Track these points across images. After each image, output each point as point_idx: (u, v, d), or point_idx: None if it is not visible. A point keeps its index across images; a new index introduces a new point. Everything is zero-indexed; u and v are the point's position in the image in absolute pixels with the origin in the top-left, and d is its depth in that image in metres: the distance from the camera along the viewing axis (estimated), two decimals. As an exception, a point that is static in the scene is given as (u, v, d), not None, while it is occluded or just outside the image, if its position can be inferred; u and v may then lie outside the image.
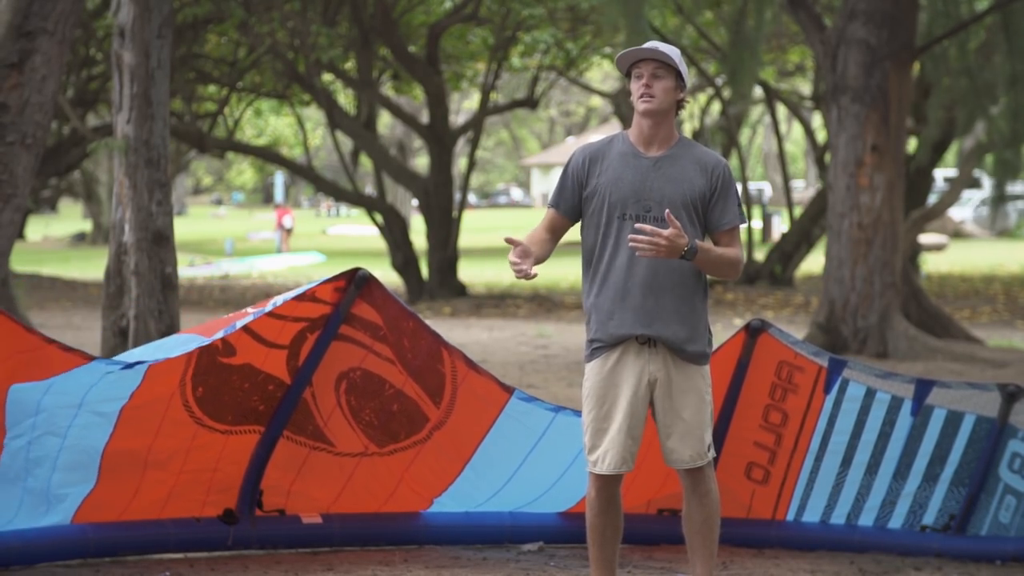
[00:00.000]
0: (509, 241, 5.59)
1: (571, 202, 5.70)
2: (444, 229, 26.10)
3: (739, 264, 5.67)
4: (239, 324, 6.54)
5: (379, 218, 26.52)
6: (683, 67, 5.63)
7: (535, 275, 5.55)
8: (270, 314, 6.58)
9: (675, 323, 5.60)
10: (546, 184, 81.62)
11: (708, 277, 5.72)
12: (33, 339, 6.25)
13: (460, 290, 26.05)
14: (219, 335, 6.51)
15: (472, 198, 72.65)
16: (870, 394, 7.18)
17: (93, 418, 6.43)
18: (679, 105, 5.68)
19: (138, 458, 6.60)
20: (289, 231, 47.06)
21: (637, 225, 5.50)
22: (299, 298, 6.65)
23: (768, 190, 62.59)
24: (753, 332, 7.11)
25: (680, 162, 5.63)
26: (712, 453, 5.70)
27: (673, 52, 5.64)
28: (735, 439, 7.24)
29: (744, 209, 5.80)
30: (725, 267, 5.63)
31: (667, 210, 5.49)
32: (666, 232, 5.43)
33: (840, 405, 7.19)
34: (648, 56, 5.62)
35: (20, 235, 42.57)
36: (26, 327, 6.31)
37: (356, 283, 6.71)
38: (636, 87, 5.64)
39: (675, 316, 5.60)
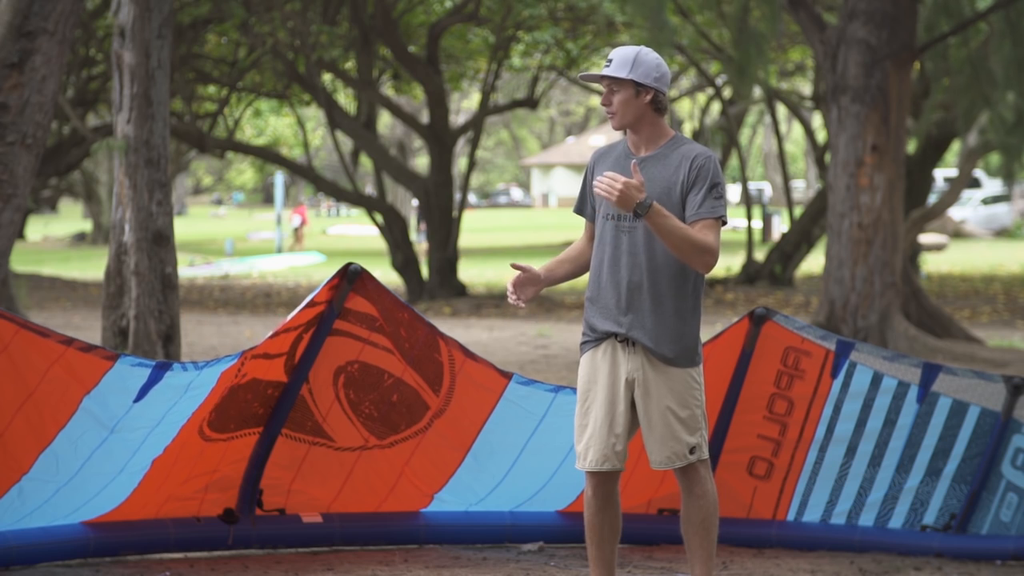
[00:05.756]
0: (515, 267, 5.68)
1: (589, 204, 5.78)
2: (444, 229, 26.12)
3: (706, 251, 5.48)
4: (250, 356, 6.58)
5: (379, 218, 26.53)
6: (640, 69, 5.57)
7: (523, 306, 5.68)
8: (273, 334, 6.61)
9: (652, 324, 5.58)
10: (546, 184, 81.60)
11: (703, 282, 5.71)
12: (53, 345, 6.34)
13: (460, 290, 26.06)
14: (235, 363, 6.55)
15: (472, 198, 72.63)
16: (877, 378, 7.18)
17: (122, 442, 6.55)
18: (655, 104, 5.63)
19: (152, 480, 6.66)
20: (296, 230, 47.08)
21: (607, 174, 5.49)
22: (299, 310, 6.68)
23: (768, 190, 62.61)
24: (758, 320, 7.10)
25: (664, 160, 5.63)
26: (697, 455, 5.65)
27: (624, 61, 5.60)
28: (738, 434, 7.24)
29: (725, 206, 5.63)
30: (690, 247, 5.47)
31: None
32: (623, 179, 5.42)
33: (847, 389, 7.18)
34: (600, 75, 5.65)
35: (20, 235, 42.58)
36: (39, 331, 6.36)
37: (348, 278, 6.74)
38: None
39: (653, 317, 5.59)
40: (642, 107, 5.62)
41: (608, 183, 5.42)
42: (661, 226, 5.46)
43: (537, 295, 5.73)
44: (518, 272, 5.70)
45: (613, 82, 5.62)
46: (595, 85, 5.69)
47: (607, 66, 5.63)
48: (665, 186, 5.60)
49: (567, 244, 44.31)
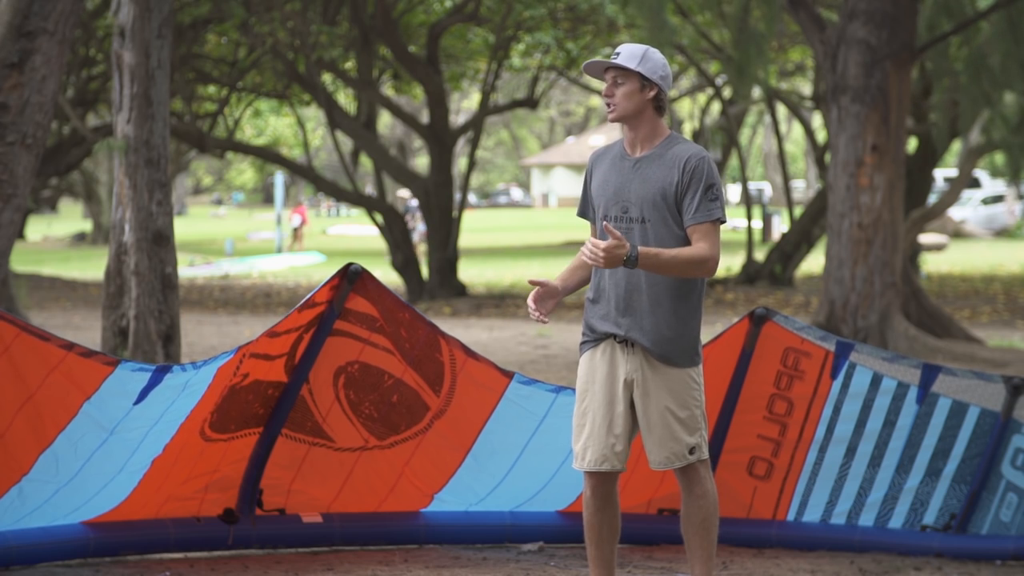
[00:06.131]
0: (533, 283, 5.67)
1: (590, 207, 5.78)
2: (444, 229, 26.12)
3: (704, 262, 5.52)
4: (248, 354, 6.58)
5: (379, 218, 26.54)
6: (648, 64, 5.58)
7: (547, 321, 5.67)
8: (273, 333, 6.61)
9: (650, 325, 5.59)
10: (546, 184, 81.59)
11: (703, 282, 5.70)
12: (53, 350, 6.33)
13: (460, 290, 26.06)
14: (231, 359, 6.54)
15: (472, 198, 72.63)
16: (876, 379, 7.18)
17: (123, 443, 6.55)
18: (657, 103, 5.64)
19: (152, 479, 6.66)
20: (296, 230, 47.13)
21: (589, 241, 5.51)
22: (299, 308, 6.68)
23: (768, 190, 62.62)
24: (758, 320, 7.10)
25: (659, 161, 5.63)
26: (697, 456, 5.65)
27: (632, 55, 5.61)
28: (738, 434, 7.24)
29: (722, 206, 5.65)
30: (686, 267, 5.52)
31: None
32: (603, 243, 5.43)
33: (847, 390, 7.19)
34: (606, 65, 5.64)
35: (20, 235, 42.58)
36: (40, 335, 6.36)
37: (349, 278, 6.74)
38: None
39: (651, 318, 5.59)
40: (644, 102, 5.62)
41: (591, 251, 5.44)
42: (655, 266, 5.48)
43: (556, 306, 5.74)
44: (536, 288, 5.69)
45: (619, 73, 5.62)
46: (596, 84, 5.66)
47: (615, 58, 5.64)
48: (661, 186, 5.60)
49: (567, 244, 44.33)
